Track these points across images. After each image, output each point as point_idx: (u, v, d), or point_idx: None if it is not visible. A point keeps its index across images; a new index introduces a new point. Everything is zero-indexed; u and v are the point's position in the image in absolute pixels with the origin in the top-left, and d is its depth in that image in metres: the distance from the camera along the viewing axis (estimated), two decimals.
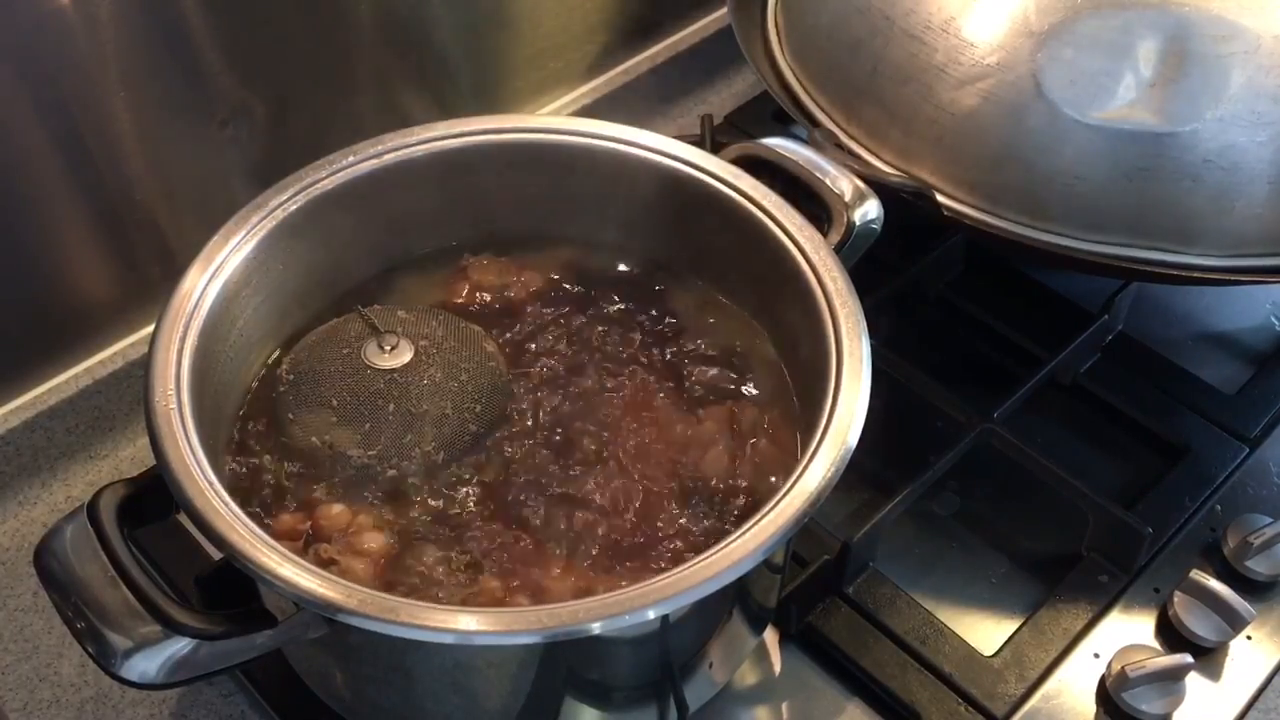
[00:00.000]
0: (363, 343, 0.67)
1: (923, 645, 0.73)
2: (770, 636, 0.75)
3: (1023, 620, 0.76)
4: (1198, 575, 0.75)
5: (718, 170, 0.72)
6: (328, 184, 0.70)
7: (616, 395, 0.70)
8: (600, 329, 0.73)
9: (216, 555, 0.59)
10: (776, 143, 0.74)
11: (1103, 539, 0.78)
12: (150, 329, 0.64)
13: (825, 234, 0.69)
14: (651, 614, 0.54)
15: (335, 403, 0.65)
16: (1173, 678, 0.71)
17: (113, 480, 0.59)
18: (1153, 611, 0.76)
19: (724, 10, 1.09)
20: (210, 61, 0.81)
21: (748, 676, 0.74)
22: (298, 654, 0.66)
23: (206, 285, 0.64)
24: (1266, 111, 0.75)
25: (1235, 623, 0.73)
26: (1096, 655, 0.74)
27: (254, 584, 0.57)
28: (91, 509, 0.56)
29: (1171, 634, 0.75)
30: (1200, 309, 0.95)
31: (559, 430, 0.68)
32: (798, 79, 0.89)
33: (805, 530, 0.56)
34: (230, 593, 0.63)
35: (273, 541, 0.55)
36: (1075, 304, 0.90)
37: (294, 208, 0.69)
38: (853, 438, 0.59)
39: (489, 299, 0.75)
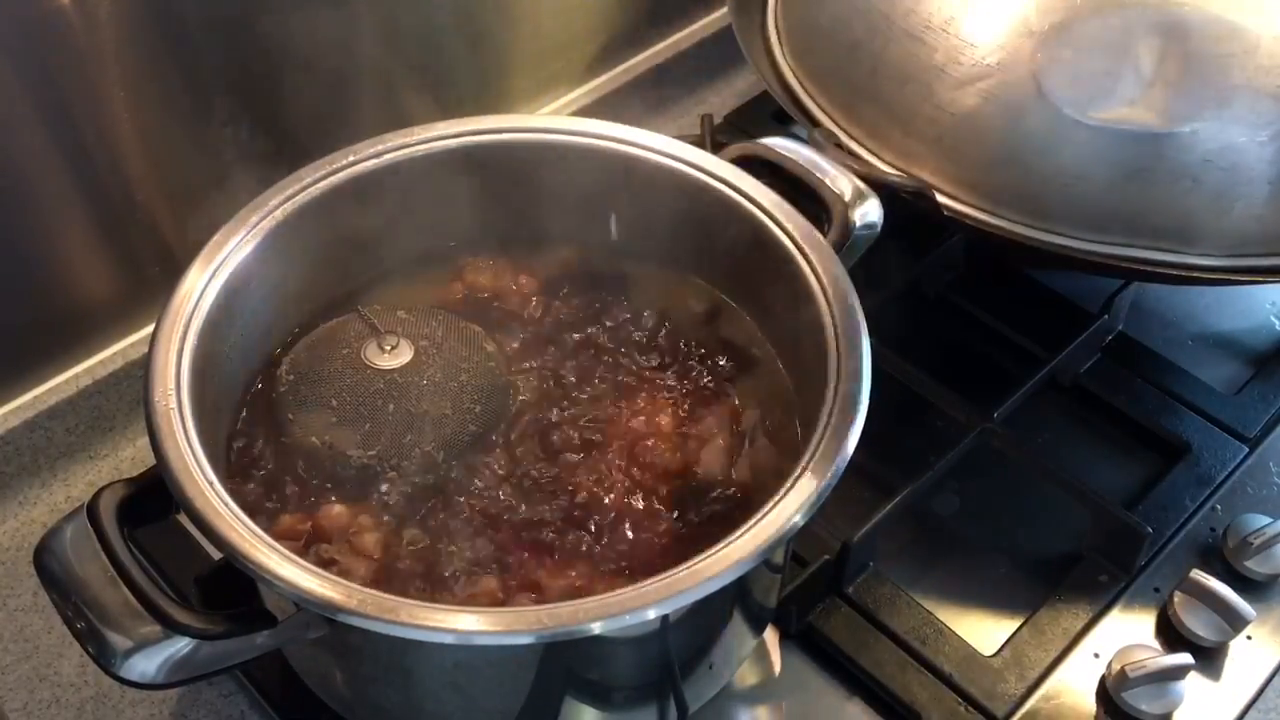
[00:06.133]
0: (363, 343, 0.67)
1: (923, 645, 0.73)
2: (770, 636, 0.75)
3: (1023, 620, 0.76)
4: (1198, 575, 0.75)
5: (718, 170, 0.72)
6: (328, 184, 0.70)
7: (616, 395, 0.70)
8: (599, 329, 0.73)
9: (216, 555, 0.59)
10: (776, 143, 0.74)
11: (1103, 539, 0.78)
12: (150, 329, 0.64)
13: (825, 234, 0.69)
14: (651, 614, 0.54)
15: (335, 403, 0.65)
16: (1173, 678, 0.71)
17: (113, 480, 0.59)
18: (1153, 611, 0.76)
19: (724, 10, 1.09)
20: (210, 62, 0.81)
21: (748, 676, 0.74)
22: (298, 654, 0.66)
23: (206, 285, 0.64)
24: (1266, 111, 0.75)
25: (1235, 623, 0.73)
26: (1096, 655, 0.74)
27: (254, 584, 0.57)
28: (91, 509, 0.56)
29: (1171, 634, 0.75)
30: (1200, 309, 0.95)
31: (559, 429, 0.68)
32: (798, 79, 0.89)
33: (805, 530, 0.56)
34: (230, 593, 0.63)
35: (273, 541, 0.55)
36: (1075, 304, 0.90)
37: (294, 208, 0.69)
38: (853, 438, 0.59)
39: (488, 299, 0.75)
